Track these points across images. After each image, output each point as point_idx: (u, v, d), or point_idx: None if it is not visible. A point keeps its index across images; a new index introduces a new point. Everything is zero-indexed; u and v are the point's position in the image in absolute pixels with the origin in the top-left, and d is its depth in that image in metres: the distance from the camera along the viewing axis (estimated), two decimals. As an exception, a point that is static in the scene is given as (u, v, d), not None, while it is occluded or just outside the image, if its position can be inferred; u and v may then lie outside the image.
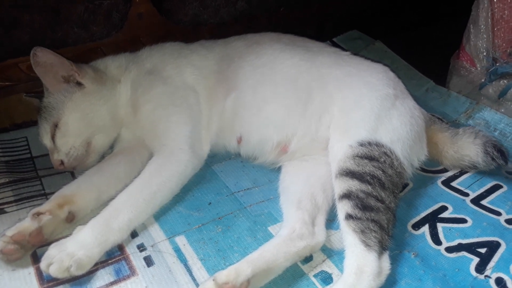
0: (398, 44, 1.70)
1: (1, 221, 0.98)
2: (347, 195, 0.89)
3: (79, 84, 1.10)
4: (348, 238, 0.85)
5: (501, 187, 1.07)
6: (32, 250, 0.90)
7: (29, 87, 1.26)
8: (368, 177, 0.90)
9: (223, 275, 0.78)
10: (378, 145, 0.95)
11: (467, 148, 1.07)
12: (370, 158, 0.93)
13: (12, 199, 1.05)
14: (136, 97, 1.14)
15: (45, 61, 1.07)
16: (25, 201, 1.04)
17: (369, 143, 0.95)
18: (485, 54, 1.35)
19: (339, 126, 1.02)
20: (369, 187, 0.89)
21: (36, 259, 0.88)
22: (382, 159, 0.94)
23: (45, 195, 1.07)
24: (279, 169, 1.11)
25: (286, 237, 0.87)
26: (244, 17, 1.53)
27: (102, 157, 1.15)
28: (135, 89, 1.15)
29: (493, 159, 1.04)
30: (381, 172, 0.92)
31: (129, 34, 1.37)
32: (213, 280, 0.77)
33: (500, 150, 1.05)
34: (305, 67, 1.11)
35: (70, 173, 1.15)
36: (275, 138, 1.09)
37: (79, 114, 1.09)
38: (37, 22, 1.22)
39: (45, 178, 1.13)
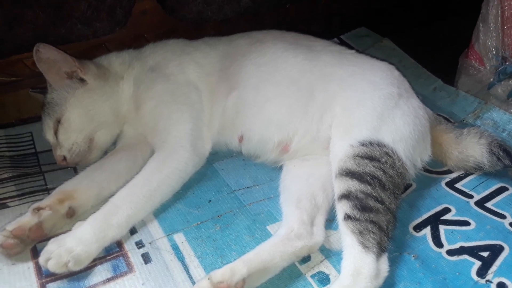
0: (406, 41, 1.67)
1: (3, 215, 1.00)
2: (346, 196, 0.88)
3: (82, 80, 1.11)
4: (346, 239, 0.84)
5: (506, 189, 1.04)
6: (32, 245, 0.91)
7: (35, 83, 1.27)
8: (368, 178, 0.89)
9: (218, 274, 0.77)
10: (379, 145, 0.94)
11: (472, 148, 1.05)
12: (371, 158, 0.91)
13: (15, 193, 1.06)
14: (139, 94, 1.15)
15: (48, 57, 1.07)
16: (28, 196, 1.06)
17: (371, 143, 0.94)
18: (494, 53, 1.32)
19: (340, 125, 1.01)
20: (369, 188, 0.87)
21: (35, 253, 0.89)
22: (384, 159, 0.92)
23: (47, 190, 1.07)
24: (280, 168, 1.10)
25: (284, 237, 0.87)
26: (249, 13, 1.52)
27: (105, 153, 1.15)
28: (137, 85, 1.16)
29: (498, 159, 1.02)
30: (381, 172, 0.90)
31: (133, 31, 1.37)
32: (208, 279, 0.77)
33: (505, 150, 1.02)
34: (308, 66, 1.10)
35: (73, 169, 1.16)
36: (276, 137, 1.08)
37: (81, 110, 1.09)
38: (40, 19, 1.21)
39: (48, 174, 1.14)
